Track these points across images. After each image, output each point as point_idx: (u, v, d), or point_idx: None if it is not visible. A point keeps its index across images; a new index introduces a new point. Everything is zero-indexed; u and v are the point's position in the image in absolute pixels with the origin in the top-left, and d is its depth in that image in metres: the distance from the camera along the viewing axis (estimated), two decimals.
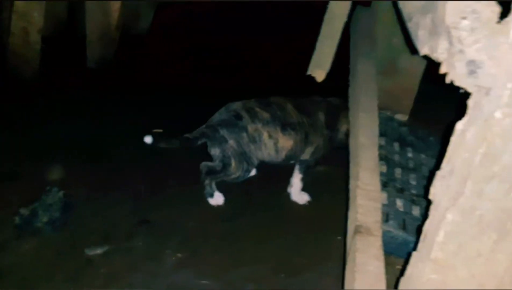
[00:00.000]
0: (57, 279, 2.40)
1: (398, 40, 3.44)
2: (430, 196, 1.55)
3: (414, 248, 1.63)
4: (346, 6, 2.84)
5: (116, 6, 4.62)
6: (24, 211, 2.72)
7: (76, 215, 2.80)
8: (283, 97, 3.13)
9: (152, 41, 5.47)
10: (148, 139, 2.88)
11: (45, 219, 2.69)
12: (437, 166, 1.53)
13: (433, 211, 1.53)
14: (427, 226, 1.55)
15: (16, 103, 3.94)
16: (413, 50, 1.70)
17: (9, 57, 4.27)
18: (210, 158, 3.03)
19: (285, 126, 2.96)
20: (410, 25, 1.77)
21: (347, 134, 3.14)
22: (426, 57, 1.52)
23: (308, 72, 2.85)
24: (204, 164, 3.04)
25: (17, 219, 2.69)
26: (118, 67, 4.78)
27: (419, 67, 3.52)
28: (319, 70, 2.83)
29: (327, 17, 2.86)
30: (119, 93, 4.32)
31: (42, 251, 2.56)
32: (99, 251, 2.56)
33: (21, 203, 2.79)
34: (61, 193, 2.83)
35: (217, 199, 3.03)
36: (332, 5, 2.83)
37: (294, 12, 6.10)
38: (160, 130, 3.74)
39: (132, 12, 5.19)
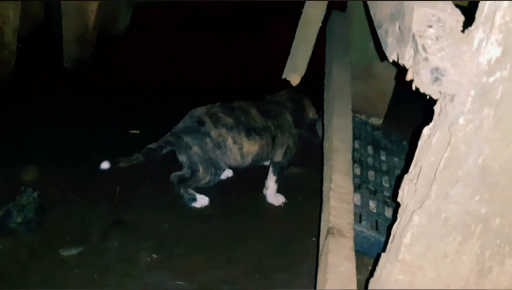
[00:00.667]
0: (31, 279, 2.38)
1: (372, 44, 3.51)
2: (399, 199, 1.60)
3: (384, 249, 1.68)
4: (321, 11, 2.88)
5: (93, 7, 4.59)
6: None
7: (51, 216, 2.77)
8: (248, 101, 3.15)
9: (131, 42, 5.44)
10: (105, 165, 2.85)
11: (19, 220, 2.66)
12: (406, 170, 1.58)
13: (401, 213, 1.58)
14: (395, 228, 1.60)
15: None
16: (384, 57, 1.74)
17: None
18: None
19: (249, 131, 2.98)
20: (380, 32, 1.81)
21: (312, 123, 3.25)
22: (396, 63, 1.57)
23: (284, 76, 2.89)
24: (174, 175, 3.06)
25: None
26: (95, 68, 4.75)
27: (394, 72, 3.59)
28: (294, 74, 2.87)
29: (302, 21, 2.90)
30: (96, 95, 4.29)
31: (16, 251, 2.53)
32: (73, 251, 2.54)
33: None
34: (35, 194, 2.79)
35: (201, 201, 3.03)
36: (307, 10, 2.87)
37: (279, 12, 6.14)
38: (137, 131, 3.74)
39: (109, 13, 5.16)
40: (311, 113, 3.32)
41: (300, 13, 2.90)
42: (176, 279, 2.46)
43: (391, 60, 1.59)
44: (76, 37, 4.62)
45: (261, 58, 5.39)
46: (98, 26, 4.78)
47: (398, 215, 1.59)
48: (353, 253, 1.96)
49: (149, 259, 2.58)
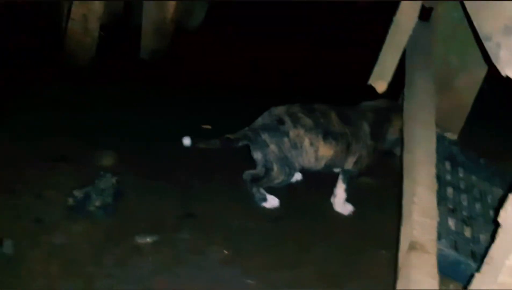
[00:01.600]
0: (105, 262, 2.44)
1: (455, 57, 3.41)
2: (500, 219, 1.53)
3: (466, 270, 1.61)
4: (412, 19, 2.84)
5: (172, 1, 4.69)
6: (78, 193, 2.76)
7: (127, 202, 2.84)
8: (327, 104, 3.12)
9: (202, 38, 5.49)
10: (186, 141, 2.94)
11: (98, 203, 2.73)
12: (509, 189, 1.52)
13: (501, 235, 1.51)
14: (495, 248, 1.53)
15: (70, 88, 4.03)
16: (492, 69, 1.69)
17: (67, 42, 4.34)
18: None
19: (327, 134, 2.95)
20: (489, 45, 1.75)
21: (395, 142, 3.14)
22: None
23: (369, 82, 2.85)
24: (248, 173, 3.07)
25: (70, 201, 2.73)
26: (171, 61, 4.83)
27: (474, 87, 3.48)
28: (380, 80, 2.82)
29: (392, 28, 2.86)
30: (172, 87, 4.37)
31: (93, 234, 2.60)
32: (148, 239, 2.59)
33: (74, 185, 2.84)
34: (114, 179, 2.87)
35: (272, 201, 3.03)
36: (398, 17, 2.83)
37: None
38: (209, 126, 3.78)
39: (185, 7, 5.24)
40: (393, 134, 3.20)
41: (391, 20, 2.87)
42: (246, 276, 2.47)
43: (504, 74, 1.53)
44: (155, 29, 4.71)
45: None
46: (176, 19, 4.86)
47: (498, 236, 1.53)
48: (436, 270, 1.89)
49: (220, 253, 2.60)
